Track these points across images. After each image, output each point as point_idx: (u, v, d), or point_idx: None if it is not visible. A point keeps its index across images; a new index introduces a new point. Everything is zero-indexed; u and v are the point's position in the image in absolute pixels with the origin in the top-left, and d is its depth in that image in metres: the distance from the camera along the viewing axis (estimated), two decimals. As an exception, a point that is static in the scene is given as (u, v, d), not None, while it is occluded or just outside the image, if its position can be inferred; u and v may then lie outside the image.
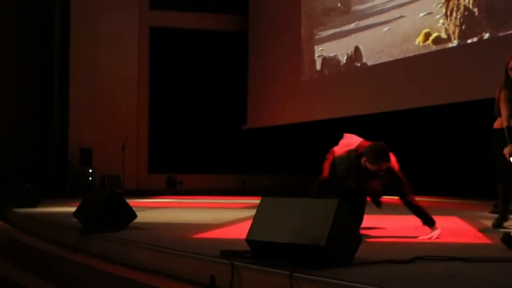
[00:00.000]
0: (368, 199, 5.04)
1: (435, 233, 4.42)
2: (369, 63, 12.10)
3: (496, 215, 5.39)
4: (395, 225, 5.79)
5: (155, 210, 8.15)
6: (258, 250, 3.32)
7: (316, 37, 13.67)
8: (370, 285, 2.62)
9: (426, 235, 4.41)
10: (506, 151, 4.91)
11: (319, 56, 13.58)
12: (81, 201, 5.71)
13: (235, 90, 16.26)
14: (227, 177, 15.93)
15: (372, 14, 12.11)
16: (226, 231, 5.22)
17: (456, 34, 10.10)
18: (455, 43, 10.13)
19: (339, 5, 13.09)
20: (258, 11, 15.98)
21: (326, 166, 4.87)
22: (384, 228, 5.42)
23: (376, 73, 11.77)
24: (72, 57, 15.08)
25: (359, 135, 5.02)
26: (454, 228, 5.40)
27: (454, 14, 10.13)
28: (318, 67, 13.62)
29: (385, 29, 11.72)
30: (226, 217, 6.74)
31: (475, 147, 10.89)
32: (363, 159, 4.51)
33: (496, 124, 5.22)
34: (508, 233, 3.91)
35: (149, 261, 4.04)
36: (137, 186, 15.29)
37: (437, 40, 10.46)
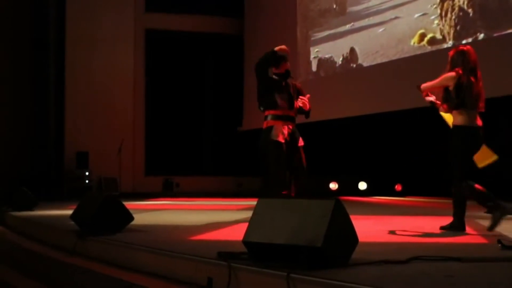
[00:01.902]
0: None
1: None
2: (365, 64, 12.12)
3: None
4: (391, 225, 5.80)
5: (152, 213, 8.15)
6: (255, 251, 3.33)
7: (312, 38, 13.68)
8: (366, 285, 2.63)
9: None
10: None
11: (314, 57, 13.60)
12: (78, 204, 5.71)
13: (231, 92, 16.26)
14: (223, 179, 15.93)
15: (368, 15, 12.13)
16: (223, 233, 5.22)
17: (451, 34, 10.13)
18: (450, 43, 10.16)
19: (334, 6, 13.11)
20: (254, 13, 15.99)
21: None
22: (381, 229, 5.43)
23: (372, 74, 11.79)
24: (68, 60, 15.07)
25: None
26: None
27: (449, 15, 10.16)
28: (314, 68, 13.64)
29: (381, 30, 11.74)
30: (223, 219, 6.75)
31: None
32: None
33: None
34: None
35: (146, 263, 4.04)
36: (134, 188, 15.28)
37: (432, 41, 10.49)
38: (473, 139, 5.00)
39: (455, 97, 4.99)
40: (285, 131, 5.98)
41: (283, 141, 5.92)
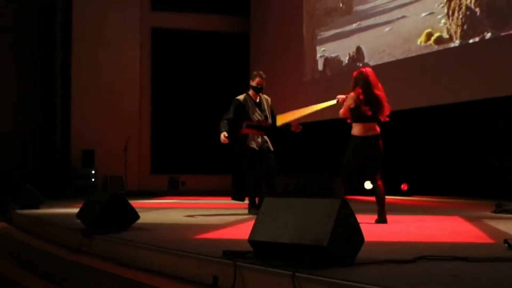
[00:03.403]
0: None
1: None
2: (371, 63, 12.08)
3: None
4: (397, 224, 5.79)
5: (158, 211, 8.16)
6: (260, 250, 3.32)
7: (318, 37, 13.67)
8: (372, 285, 2.62)
9: None
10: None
11: (321, 56, 13.58)
12: (84, 202, 5.72)
13: (236, 91, 16.17)
14: (229, 178, 15.87)
15: (374, 14, 12.11)
16: (229, 232, 5.22)
17: (458, 34, 10.09)
18: (457, 43, 10.12)
19: (341, 5, 13.09)
20: (260, 12, 15.99)
21: None
22: (386, 228, 5.42)
23: (378, 74, 11.64)
24: (74, 59, 15.11)
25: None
26: (457, 228, 5.40)
27: (456, 14, 10.13)
28: (320, 67, 13.62)
29: (387, 29, 11.71)
30: (228, 217, 6.75)
31: (477, 147, 10.89)
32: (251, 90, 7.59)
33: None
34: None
35: (152, 261, 4.04)
36: (140, 187, 15.30)
37: (439, 40, 10.45)
38: (360, 147, 5.86)
39: (352, 112, 5.89)
40: (258, 139, 7.23)
41: (257, 148, 7.16)
